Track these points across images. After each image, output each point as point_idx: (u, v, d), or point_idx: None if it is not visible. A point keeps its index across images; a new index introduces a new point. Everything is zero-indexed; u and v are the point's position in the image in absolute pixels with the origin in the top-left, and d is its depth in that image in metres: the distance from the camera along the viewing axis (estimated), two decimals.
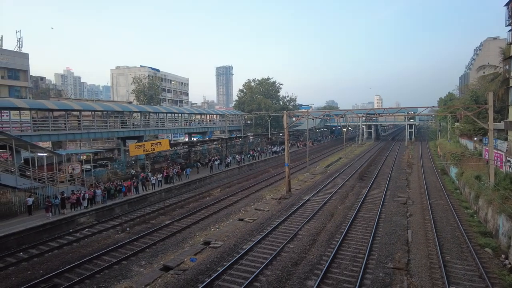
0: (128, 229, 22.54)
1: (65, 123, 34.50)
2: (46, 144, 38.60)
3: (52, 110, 33.52)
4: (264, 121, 72.82)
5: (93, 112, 38.77)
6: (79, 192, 25.00)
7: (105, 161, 41.05)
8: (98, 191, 26.12)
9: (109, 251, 18.52)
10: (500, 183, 22.62)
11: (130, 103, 67.58)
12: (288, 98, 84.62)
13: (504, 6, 33.38)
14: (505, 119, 36.61)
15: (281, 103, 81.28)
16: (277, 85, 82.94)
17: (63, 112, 36.01)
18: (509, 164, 25.65)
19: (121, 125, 41.11)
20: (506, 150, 30.07)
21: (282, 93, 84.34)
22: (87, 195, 24.92)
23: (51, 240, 20.58)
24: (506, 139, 33.60)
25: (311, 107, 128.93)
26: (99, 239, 20.89)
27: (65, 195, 24.23)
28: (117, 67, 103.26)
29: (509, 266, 15.48)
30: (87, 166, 34.36)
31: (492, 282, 13.86)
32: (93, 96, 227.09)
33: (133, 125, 43.88)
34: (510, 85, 32.79)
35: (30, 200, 23.35)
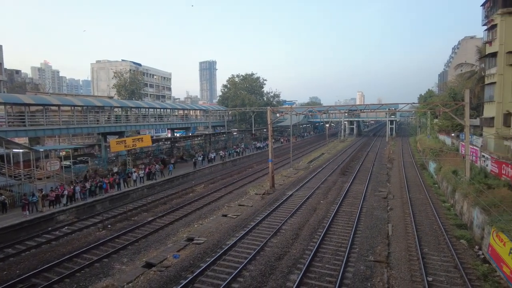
0: (109, 226, 22.17)
1: (43, 118, 33.46)
2: (23, 140, 37.36)
3: (28, 105, 32.46)
4: (248, 117, 72.77)
5: (72, 107, 37.76)
6: (57, 189, 24.35)
7: (86, 157, 40.17)
8: (77, 188, 25.53)
9: (89, 249, 18.17)
10: (475, 177, 23.48)
11: (111, 98, 66.18)
12: (272, 94, 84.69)
13: (481, 6, 34.38)
14: (480, 115, 37.88)
15: (265, 99, 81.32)
16: (261, 81, 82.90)
17: (41, 107, 34.90)
18: (484, 159, 26.63)
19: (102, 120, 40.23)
20: (481, 146, 31.20)
21: (266, 89, 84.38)
22: (66, 192, 24.31)
23: (29, 239, 19.98)
24: (481, 135, 34.83)
25: (294, 103, 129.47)
26: (79, 236, 20.45)
27: (43, 192, 23.58)
28: (98, 61, 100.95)
29: (482, 256, 16.13)
30: (67, 163, 33.52)
31: (466, 272, 14.42)
32: (73, 90, 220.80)
33: (115, 120, 43.00)
34: (486, 83, 33.93)
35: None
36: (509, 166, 20.99)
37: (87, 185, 26.56)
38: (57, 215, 23.12)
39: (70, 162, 32.54)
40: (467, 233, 18.99)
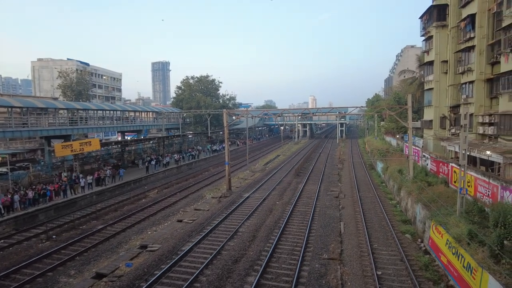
0: (54, 236, 20.62)
1: None
2: None
3: None
4: (204, 119, 71.88)
5: (9, 109, 34.61)
6: None
7: (26, 163, 36.98)
8: (16, 197, 23.41)
9: (31, 263, 16.73)
10: (417, 175, 25.35)
11: (55, 99, 61.78)
12: (228, 97, 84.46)
13: (419, 18, 37.22)
14: (421, 118, 40.96)
15: (220, 101, 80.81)
16: (217, 83, 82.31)
17: None
18: (424, 158, 28.85)
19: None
20: (422, 146, 33.79)
21: (221, 91, 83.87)
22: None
23: None
24: (422, 137, 37.70)
25: (250, 106, 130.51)
26: (18, 250, 18.75)
27: None
28: (40, 59, 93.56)
29: (424, 248, 17.49)
30: (3, 169, 30.61)
31: (410, 264, 15.54)
32: (10, 90, 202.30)
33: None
34: (425, 89, 36.79)
35: None
36: (445, 164, 22.96)
37: (30, 193, 24.45)
38: None
39: (7, 168, 29.75)
40: (411, 227, 20.42)
